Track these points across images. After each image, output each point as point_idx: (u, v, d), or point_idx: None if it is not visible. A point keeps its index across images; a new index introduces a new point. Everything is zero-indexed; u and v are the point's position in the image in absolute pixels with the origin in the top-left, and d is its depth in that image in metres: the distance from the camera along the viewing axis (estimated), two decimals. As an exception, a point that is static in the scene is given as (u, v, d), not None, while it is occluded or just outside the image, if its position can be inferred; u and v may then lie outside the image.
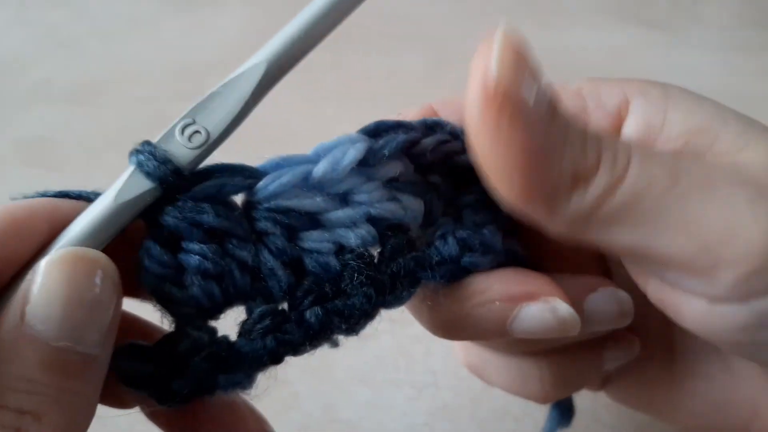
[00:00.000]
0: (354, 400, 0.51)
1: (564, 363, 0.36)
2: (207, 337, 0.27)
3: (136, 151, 0.27)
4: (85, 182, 0.68)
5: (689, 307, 0.28)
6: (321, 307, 0.28)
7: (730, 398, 0.34)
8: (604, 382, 0.40)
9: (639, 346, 0.38)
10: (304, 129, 0.71)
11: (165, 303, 0.27)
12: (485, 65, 0.25)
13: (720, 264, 0.26)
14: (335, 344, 0.30)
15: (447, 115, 0.33)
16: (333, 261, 0.29)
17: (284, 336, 0.27)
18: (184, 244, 0.27)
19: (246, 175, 0.29)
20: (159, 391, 0.27)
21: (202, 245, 0.27)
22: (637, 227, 0.26)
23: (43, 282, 0.23)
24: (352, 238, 0.29)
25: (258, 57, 0.28)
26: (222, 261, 0.27)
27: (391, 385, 0.52)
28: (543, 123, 0.25)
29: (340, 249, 0.29)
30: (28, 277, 0.24)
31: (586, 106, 0.32)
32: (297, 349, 0.28)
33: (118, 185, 0.27)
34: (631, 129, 0.32)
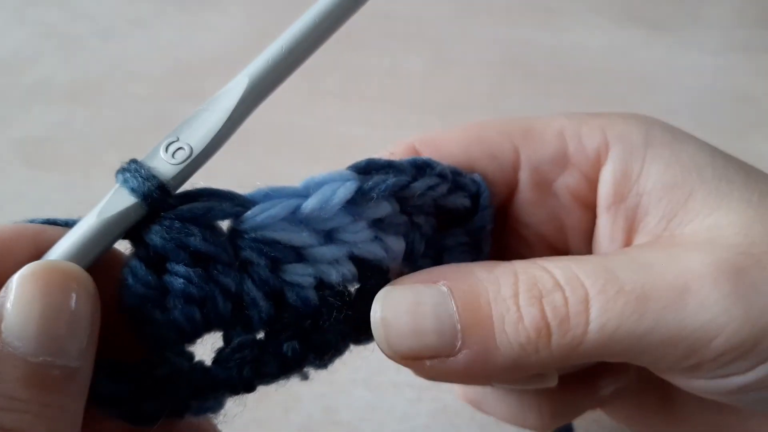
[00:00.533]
0: (354, 402, 0.51)
1: (561, 394, 0.37)
2: (186, 363, 0.27)
3: (122, 169, 0.27)
4: (85, 181, 0.68)
5: (676, 380, 0.29)
6: (298, 342, 0.28)
7: (725, 424, 0.35)
8: (602, 402, 0.41)
9: (634, 372, 0.38)
10: (305, 128, 0.71)
11: (144, 324, 0.27)
12: (381, 347, 0.29)
13: (703, 364, 0.27)
14: (305, 377, 0.30)
15: (429, 154, 0.33)
16: (313, 295, 0.29)
17: (260, 367, 0.28)
18: (169, 266, 0.27)
19: (234, 202, 0.28)
20: (130, 412, 0.27)
21: (187, 268, 0.27)
22: (617, 356, 0.27)
23: (17, 297, 0.23)
24: (333, 274, 0.29)
25: (241, 75, 0.28)
26: (206, 286, 0.27)
27: (391, 387, 0.51)
28: (456, 341, 0.27)
29: (321, 284, 0.29)
30: (1, 293, 0.23)
31: (567, 149, 0.32)
32: (270, 379, 0.28)
33: (101, 203, 0.27)
34: (607, 178, 0.32)
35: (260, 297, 0.28)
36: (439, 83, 0.77)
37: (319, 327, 0.29)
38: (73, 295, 0.24)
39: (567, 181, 0.33)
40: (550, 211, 0.34)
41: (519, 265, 0.28)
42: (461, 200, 0.33)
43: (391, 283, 0.29)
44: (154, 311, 0.26)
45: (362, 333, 0.30)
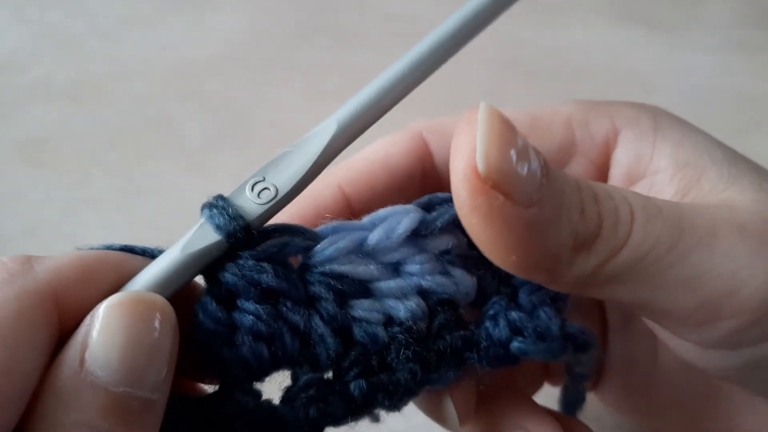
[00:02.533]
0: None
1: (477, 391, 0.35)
2: (252, 402, 0.27)
3: (209, 205, 0.27)
4: (85, 181, 0.68)
5: (680, 346, 0.29)
6: (366, 381, 0.28)
7: (712, 415, 0.34)
8: (595, 384, 0.40)
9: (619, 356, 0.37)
10: (305, 128, 0.70)
11: (213, 361, 0.27)
12: (469, 145, 0.24)
13: (716, 319, 0.26)
14: (376, 419, 0.30)
15: (438, 142, 0.33)
16: (381, 332, 0.28)
17: (327, 407, 0.27)
18: (239, 303, 0.27)
19: (305, 237, 0.29)
20: None
21: (257, 305, 0.27)
22: (638, 286, 0.26)
23: (103, 326, 0.23)
24: (401, 310, 0.29)
25: (330, 119, 0.29)
26: (275, 323, 0.27)
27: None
28: (536, 195, 0.25)
29: (389, 321, 0.29)
30: (87, 321, 0.23)
31: (574, 137, 0.32)
32: (339, 420, 0.28)
33: (186, 237, 0.27)
34: (620, 160, 0.32)
35: (328, 333, 0.28)
36: (438, 83, 0.76)
37: (387, 365, 0.28)
38: (157, 327, 0.24)
39: (574, 169, 0.33)
40: None
41: (578, 178, 0.27)
42: None
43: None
44: (222, 348, 0.27)
45: (433, 372, 0.29)
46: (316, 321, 0.28)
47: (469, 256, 0.31)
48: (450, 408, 0.32)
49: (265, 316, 0.27)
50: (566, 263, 0.26)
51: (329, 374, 0.29)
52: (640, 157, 0.31)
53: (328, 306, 0.28)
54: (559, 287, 0.27)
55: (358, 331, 0.28)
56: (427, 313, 0.29)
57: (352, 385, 0.28)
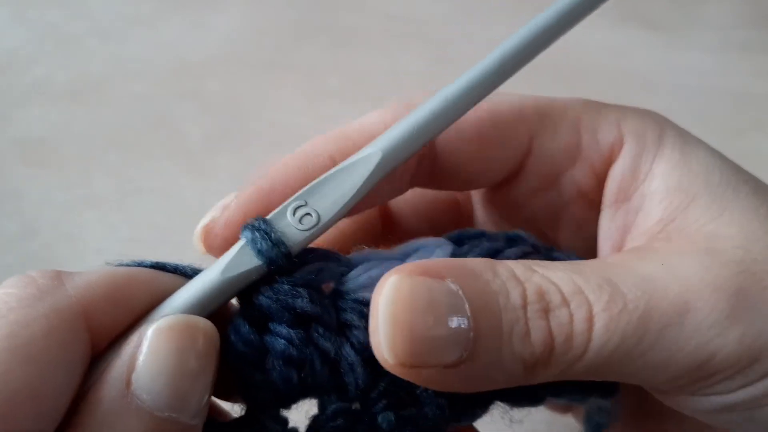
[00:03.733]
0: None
1: None
2: (279, 428, 0.27)
3: (252, 227, 0.27)
4: (85, 181, 0.68)
5: (663, 395, 0.29)
6: (394, 413, 0.27)
7: None
8: (565, 410, 0.40)
9: None
10: (305, 128, 0.71)
11: (242, 383, 0.27)
12: (374, 337, 0.24)
13: (691, 383, 0.26)
14: None
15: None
16: None
17: None
18: (272, 326, 0.27)
19: (339, 263, 0.29)
20: None
21: (289, 330, 0.27)
22: (608, 375, 0.26)
23: (151, 350, 0.23)
24: None
25: (374, 146, 0.28)
26: (306, 349, 0.27)
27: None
28: (465, 351, 0.24)
29: None
30: (134, 342, 0.23)
31: (581, 142, 0.32)
32: None
33: (226, 259, 0.26)
34: (616, 174, 0.31)
35: (358, 362, 0.27)
36: (439, 83, 0.76)
37: (415, 398, 0.28)
38: (203, 353, 0.24)
39: (575, 175, 0.32)
40: (550, 202, 0.33)
41: (519, 271, 0.26)
42: None
43: (394, 270, 0.25)
44: (252, 371, 0.26)
45: (461, 408, 0.29)
46: (347, 349, 0.27)
47: None
48: None
49: (297, 341, 0.27)
50: (524, 380, 0.26)
51: (357, 405, 0.28)
52: (635, 174, 0.31)
53: (359, 334, 0.27)
54: (529, 383, 0.27)
55: None
56: None
57: (380, 417, 0.27)
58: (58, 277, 0.24)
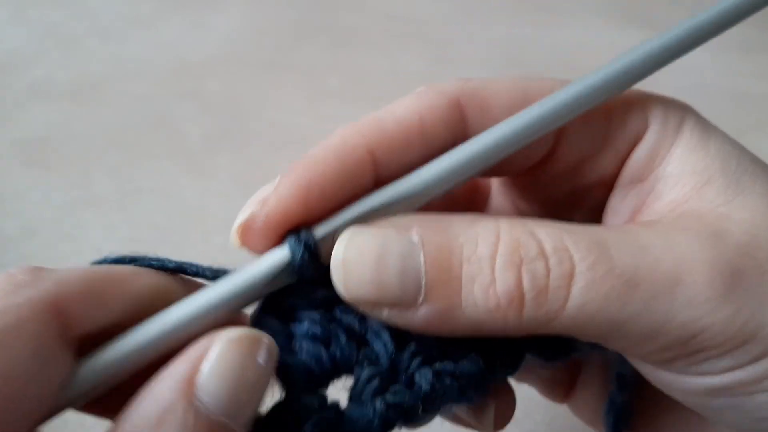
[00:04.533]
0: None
1: None
2: (317, 401, 0.27)
3: (300, 242, 0.27)
4: (85, 181, 0.68)
5: (643, 369, 0.28)
6: (429, 368, 0.27)
7: None
8: (566, 396, 0.40)
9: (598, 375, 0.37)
10: (305, 128, 0.71)
11: (277, 372, 0.27)
12: (336, 283, 0.26)
13: (677, 359, 0.26)
14: (449, 412, 0.30)
15: (475, 115, 0.30)
16: None
17: (394, 397, 0.27)
18: (295, 314, 0.28)
19: None
20: None
21: (311, 311, 0.28)
22: (590, 337, 0.26)
23: (219, 356, 0.24)
24: None
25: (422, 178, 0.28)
26: (330, 325, 0.28)
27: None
28: (420, 295, 0.25)
29: None
30: (201, 344, 0.24)
31: (609, 128, 0.31)
32: (409, 414, 0.27)
33: (264, 266, 0.27)
34: (636, 157, 0.31)
35: (383, 328, 0.28)
36: (439, 83, 0.77)
37: (448, 354, 0.28)
38: (262, 365, 0.24)
39: (601, 161, 0.32)
40: (573, 187, 0.33)
41: (504, 224, 0.26)
42: None
43: (362, 225, 0.27)
44: (283, 356, 0.27)
45: (497, 363, 0.29)
46: (371, 321, 0.28)
47: None
48: (490, 414, 0.32)
49: (320, 320, 0.28)
50: (496, 328, 0.26)
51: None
52: (653, 157, 0.30)
53: None
54: (510, 335, 0.27)
55: None
56: None
57: (417, 375, 0.27)
58: (35, 272, 0.25)
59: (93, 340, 0.26)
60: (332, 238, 0.27)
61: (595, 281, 0.25)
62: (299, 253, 0.27)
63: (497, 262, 0.25)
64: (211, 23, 0.87)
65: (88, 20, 0.87)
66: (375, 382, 0.27)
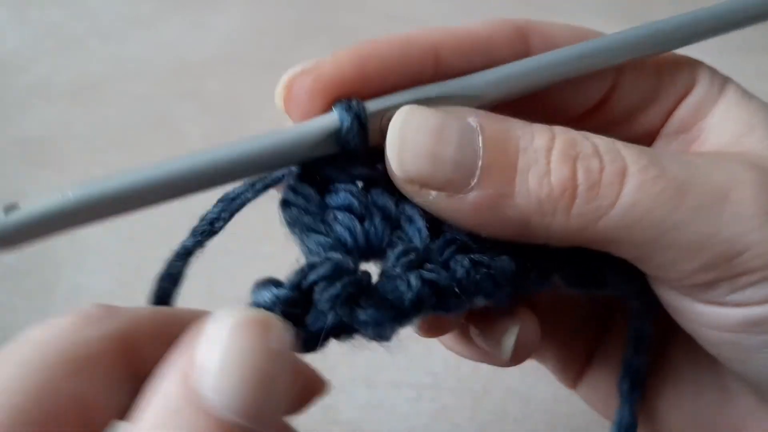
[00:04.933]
0: (354, 401, 0.51)
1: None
2: (348, 261, 0.25)
3: (350, 109, 0.26)
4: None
5: (676, 301, 0.28)
6: (465, 256, 0.26)
7: (715, 419, 0.33)
8: (578, 378, 0.39)
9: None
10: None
11: (304, 235, 0.26)
12: (389, 161, 0.26)
13: (719, 281, 0.25)
14: (477, 304, 0.27)
15: (539, 46, 0.31)
16: None
17: (429, 274, 0.25)
18: (331, 186, 0.27)
19: None
20: (296, 326, 0.23)
21: (349, 184, 0.27)
22: (635, 246, 0.26)
23: (223, 350, 0.20)
24: None
25: (486, 80, 0.28)
26: (366, 201, 0.26)
27: (391, 387, 0.51)
28: (473, 178, 0.25)
29: None
30: (194, 334, 0.21)
31: (660, 83, 0.32)
32: (443, 295, 0.25)
33: (310, 128, 0.26)
34: (682, 109, 0.32)
35: (418, 214, 0.27)
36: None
37: (483, 248, 0.26)
38: (278, 355, 0.21)
39: (649, 114, 0.32)
40: (620, 136, 0.32)
41: (559, 128, 0.26)
42: None
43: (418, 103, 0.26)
44: (314, 223, 0.26)
45: (529, 270, 0.27)
46: (407, 206, 0.27)
47: None
48: (511, 338, 0.31)
49: (357, 193, 0.26)
50: (543, 225, 0.25)
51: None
52: (698, 110, 0.31)
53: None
54: (542, 241, 0.26)
55: (448, 224, 0.27)
56: None
57: (452, 262, 0.26)
58: (108, 309, 0.25)
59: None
60: (383, 117, 0.26)
61: (647, 182, 0.25)
62: (347, 122, 0.26)
63: (553, 154, 0.25)
64: (211, 23, 0.87)
65: (88, 20, 0.87)
66: (411, 256, 0.25)
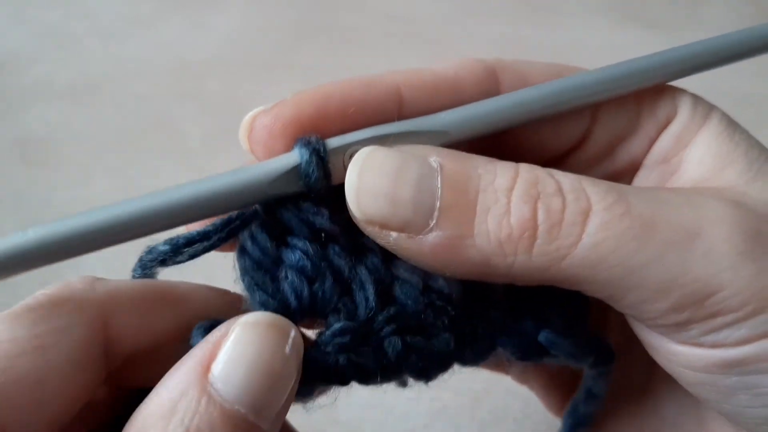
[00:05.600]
0: (354, 401, 0.51)
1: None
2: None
3: (309, 147, 0.26)
4: (85, 181, 0.68)
5: (652, 340, 0.27)
6: (401, 339, 0.27)
7: None
8: (562, 406, 0.39)
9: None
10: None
11: (252, 294, 0.26)
12: (349, 202, 0.26)
13: (691, 322, 0.24)
14: (404, 384, 0.30)
15: (510, 85, 0.31)
16: (420, 296, 0.28)
17: (358, 358, 0.27)
18: (289, 239, 0.27)
19: None
20: None
21: (306, 242, 0.27)
22: (603, 286, 0.25)
23: (234, 342, 0.23)
24: (440, 279, 0.28)
25: (446, 120, 0.28)
26: (320, 263, 0.27)
27: (391, 387, 0.51)
28: (432, 219, 0.25)
29: (428, 288, 0.28)
30: (220, 331, 0.23)
31: (641, 113, 0.31)
32: (366, 376, 0.27)
33: (271, 167, 0.26)
34: (666, 138, 0.31)
35: (369, 281, 0.27)
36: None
37: (423, 329, 0.28)
38: (287, 355, 0.23)
39: (632, 145, 0.32)
40: (603, 171, 0.33)
41: (524, 165, 0.26)
42: None
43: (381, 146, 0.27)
44: (264, 278, 0.26)
45: (468, 348, 0.29)
46: (361, 270, 0.27)
47: None
48: None
49: (312, 254, 0.27)
50: (504, 265, 0.25)
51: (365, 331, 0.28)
52: (680, 140, 0.30)
53: (374, 258, 0.27)
54: (507, 281, 0.26)
55: (399, 290, 0.28)
56: (461, 292, 0.29)
57: (386, 342, 0.27)
58: (91, 281, 0.25)
59: (134, 360, 0.26)
60: (345, 155, 0.26)
61: (612, 220, 0.24)
62: (306, 157, 0.26)
63: (514, 194, 0.25)
64: (211, 23, 0.87)
65: (88, 20, 0.87)
66: (347, 337, 0.26)
